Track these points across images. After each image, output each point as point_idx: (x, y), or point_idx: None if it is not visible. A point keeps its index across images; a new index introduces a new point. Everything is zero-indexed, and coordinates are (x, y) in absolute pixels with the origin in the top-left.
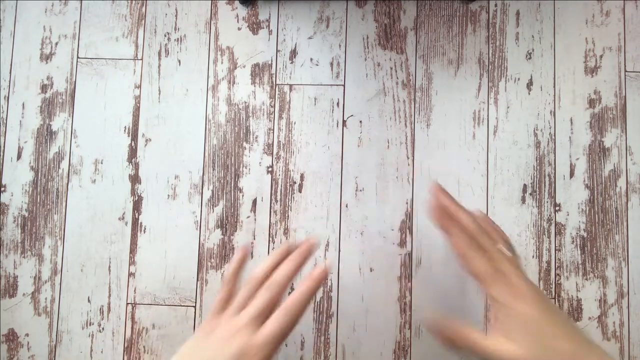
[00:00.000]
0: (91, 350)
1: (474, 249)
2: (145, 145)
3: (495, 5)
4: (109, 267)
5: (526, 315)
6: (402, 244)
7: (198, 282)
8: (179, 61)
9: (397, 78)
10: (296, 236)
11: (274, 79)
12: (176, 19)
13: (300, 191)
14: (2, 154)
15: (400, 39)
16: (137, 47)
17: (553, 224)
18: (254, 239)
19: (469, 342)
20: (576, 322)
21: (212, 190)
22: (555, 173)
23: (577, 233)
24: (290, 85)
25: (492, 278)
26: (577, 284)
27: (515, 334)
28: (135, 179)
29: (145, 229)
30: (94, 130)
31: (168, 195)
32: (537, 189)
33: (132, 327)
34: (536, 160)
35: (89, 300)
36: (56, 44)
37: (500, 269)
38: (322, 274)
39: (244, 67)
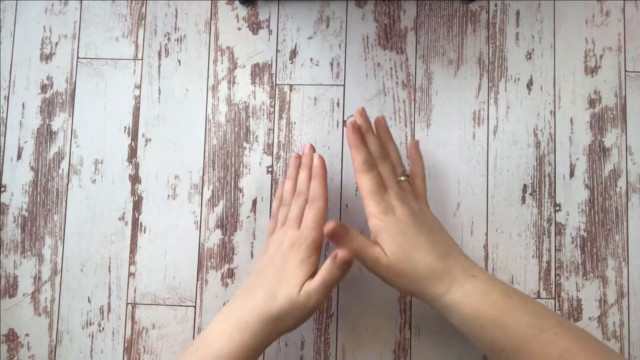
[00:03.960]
0: (91, 350)
1: (367, 166)
2: (145, 145)
3: (495, 5)
4: (109, 267)
5: (394, 226)
6: None
7: (198, 282)
8: (179, 61)
9: (397, 78)
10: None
11: (274, 79)
12: (176, 19)
13: None
14: (2, 154)
15: (400, 39)
16: (137, 47)
17: (553, 224)
18: (254, 239)
19: (353, 244)
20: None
21: (212, 190)
22: (555, 173)
23: (577, 233)
24: (290, 85)
25: (371, 194)
26: (577, 284)
27: (384, 243)
28: (135, 179)
29: (145, 229)
30: (94, 130)
31: (168, 195)
32: (537, 189)
33: (132, 327)
34: (536, 160)
35: (89, 300)
36: (56, 44)
37: (385, 189)
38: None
39: (244, 67)
